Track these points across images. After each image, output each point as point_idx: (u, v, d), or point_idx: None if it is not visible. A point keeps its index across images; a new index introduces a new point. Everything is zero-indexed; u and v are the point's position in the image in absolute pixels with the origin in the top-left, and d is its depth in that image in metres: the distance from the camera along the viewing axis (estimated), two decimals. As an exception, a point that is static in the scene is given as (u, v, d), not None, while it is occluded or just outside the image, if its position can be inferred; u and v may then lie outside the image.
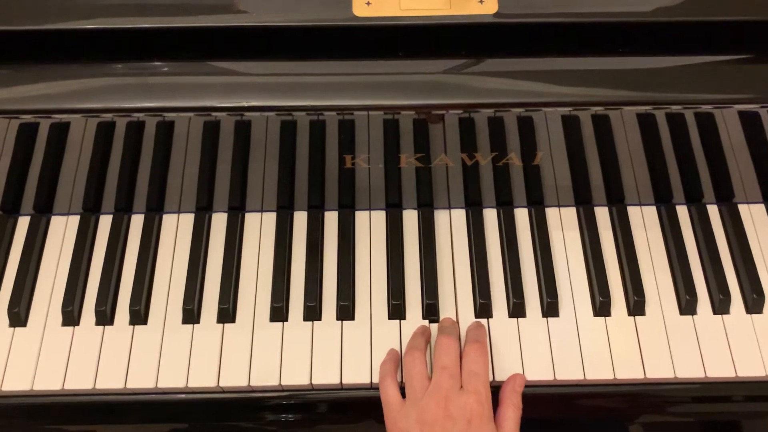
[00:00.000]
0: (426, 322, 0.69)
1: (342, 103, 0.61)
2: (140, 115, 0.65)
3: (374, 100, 0.60)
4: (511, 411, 0.62)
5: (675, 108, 0.63)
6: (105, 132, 0.70)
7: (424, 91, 0.60)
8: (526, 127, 0.67)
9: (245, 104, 0.63)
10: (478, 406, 0.59)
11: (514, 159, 0.69)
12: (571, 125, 0.69)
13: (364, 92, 0.61)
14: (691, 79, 0.61)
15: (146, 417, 0.71)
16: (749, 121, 0.69)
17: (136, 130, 0.70)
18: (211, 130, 0.70)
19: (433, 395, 0.59)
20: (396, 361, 0.65)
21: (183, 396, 0.68)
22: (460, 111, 0.62)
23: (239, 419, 0.72)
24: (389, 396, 0.62)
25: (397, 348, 0.68)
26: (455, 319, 0.69)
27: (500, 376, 0.66)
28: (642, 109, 0.63)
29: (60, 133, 0.69)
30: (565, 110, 0.63)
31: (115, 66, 0.64)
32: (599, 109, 0.64)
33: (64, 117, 0.66)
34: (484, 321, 0.69)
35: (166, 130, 0.70)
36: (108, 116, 0.66)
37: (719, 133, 0.70)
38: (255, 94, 0.63)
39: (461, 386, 0.60)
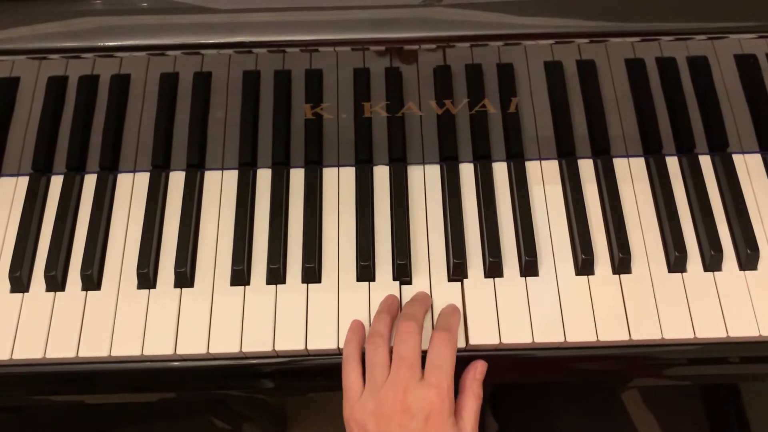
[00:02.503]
0: (396, 284, 0.65)
1: (301, 38, 0.56)
2: (89, 56, 0.59)
3: (328, 35, 0.55)
4: (471, 401, 0.59)
5: (666, 39, 0.57)
6: (56, 86, 0.66)
7: (384, 25, 0.54)
8: (502, 70, 0.62)
9: (202, 41, 0.57)
10: (438, 401, 0.55)
11: (489, 106, 0.64)
12: (552, 67, 0.64)
13: (322, 27, 0.55)
14: (683, 7, 0.55)
15: (108, 386, 0.68)
16: (745, 61, 0.64)
17: (89, 83, 0.66)
18: (169, 82, 0.65)
19: (391, 387, 0.56)
20: (360, 341, 0.61)
21: (141, 365, 0.64)
22: (417, 47, 0.57)
23: (205, 388, 0.69)
24: (351, 382, 0.59)
25: (366, 313, 0.63)
26: (428, 280, 0.65)
27: (474, 340, 0.62)
28: (628, 40, 0.58)
29: (9, 87, 0.65)
30: (546, 43, 0.58)
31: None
32: (583, 42, 0.58)
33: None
34: (457, 284, 0.65)
35: (120, 83, 0.65)
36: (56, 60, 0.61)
37: (713, 75, 0.65)
38: (211, 32, 0.57)
39: (422, 376, 0.57)
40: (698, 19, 0.54)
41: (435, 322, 0.63)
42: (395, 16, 0.55)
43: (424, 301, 0.63)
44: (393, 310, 0.63)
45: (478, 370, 0.61)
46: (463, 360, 0.62)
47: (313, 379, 0.67)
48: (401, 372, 0.56)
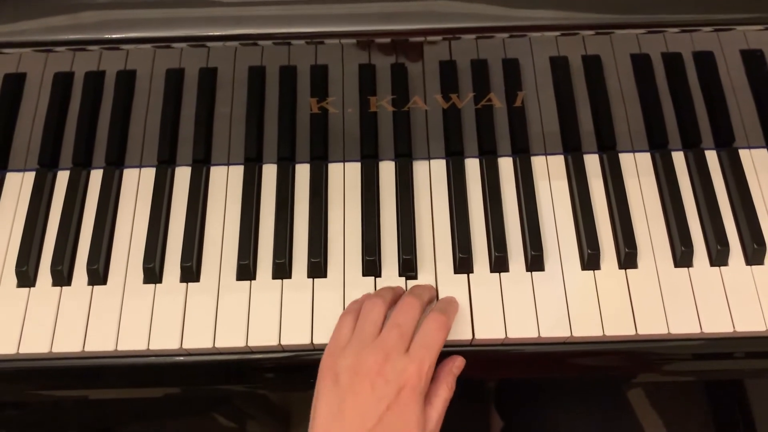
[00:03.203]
0: (402, 279, 0.65)
1: (306, 31, 0.56)
2: (95, 48, 0.59)
3: (333, 27, 0.55)
4: (444, 390, 0.58)
5: (672, 31, 0.57)
6: (62, 82, 0.66)
7: (389, 18, 0.54)
8: (508, 65, 0.62)
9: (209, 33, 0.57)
10: (416, 378, 0.54)
11: (495, 100, 0.64)
12: (558, 62, 0.64)
13: (327, 20, 0.55)
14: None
15: (114, 381, 0.68)
16: (751, 56, 0.64)
17: (95, 79, 0.66)
18: (175, 78, 0.66)
19: (375, 348, 0.55)
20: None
21: (147, 359, 0.64)
22: (422, 38, 0.57)
23: (210, 383, 0.69)
24: (340, 333, 0.58)
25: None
26: (434, 275, 0.65)
27: (480, 335, 0.62)
28: (633, 32, 0.57)
29: (15, 83, 0.65)
30: (552, 35, 0.57)
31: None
32: (589, 34, 0.58)
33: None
34: (463, 279, 0.65)
35: (126, 79, 0.66)
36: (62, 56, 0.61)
37: (719, 70, 0.65)
38: (217, 24, 0.57)
39: (408, 350, 0.56)
40: (704, 10, 0.54)
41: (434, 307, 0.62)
42: (401, 9, 0.55)
43: (430, 289, 0.63)
44: (398, 291, 0.63)
45: (455, 365, 0.60)
46: (466, 354, 0.62)
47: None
48: (390, 337, 0.56)
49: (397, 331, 0.56)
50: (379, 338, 0.56)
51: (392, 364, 0.54)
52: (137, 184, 0.70)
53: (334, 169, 0.70)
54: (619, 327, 0.62)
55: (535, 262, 0.65)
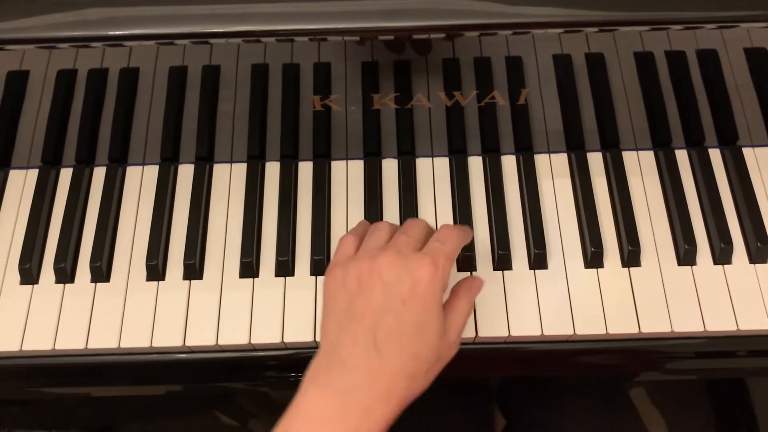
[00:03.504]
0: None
1: (309, 27, 0.56)
2: (98, 45, 0.59)
3: (335, 24, 0.55)
4: (464, 302, 0.53)
5: (676, 28, 0.57)
6: (66, 79, 0.66)
7: (392, 15, 0.54)
8: (511, 62, 0.62)
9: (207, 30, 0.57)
10: (432, 271, 0.49)
11: (498, 98, 0.64)
12: (561, 60, 0.64)
13: (330, 17, 0.55)
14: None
15: (116, 379, 0.68)
16: (755, 54, 0.64)
17: (98, 76, 0.66)
18: (178, 76, 0.66)
19: (384, 250, 0.51)
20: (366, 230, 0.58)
21: (149, 357, 0.64)
22: (425, 35, 0.56)
23: (212, 380, 0.69)
24: (344, 247, 0.55)
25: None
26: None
27: (483, 333, 0.62)
28: (636, 29, 0.57)
29: (18, 80, 0.65)
30: (555, 32, 0.57)
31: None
32: (592, 31, 0.58)
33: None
34: (466, 274, 0.64)
35: (129, 76, 0.66)
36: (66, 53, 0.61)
37: (722, 69, 0.65)
38: (219, 21, 0.57)
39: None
40: (708, 8, 0.54)
41: None
42: (404, 6, 0.55)
43: None
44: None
45: (475, 284, 0.56)
46: (468, 352, 0.62)
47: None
48: (400, 240, 0.52)
49: (406, 237, 0.52)
50: (389, 244, 0.53)
51: (404, 261, 0.50)
52: (140, 182, 0.70)
53: (337, 167, 0.70)
54: (622, 325, 0.62)
55: (538, 260, 0.64)
